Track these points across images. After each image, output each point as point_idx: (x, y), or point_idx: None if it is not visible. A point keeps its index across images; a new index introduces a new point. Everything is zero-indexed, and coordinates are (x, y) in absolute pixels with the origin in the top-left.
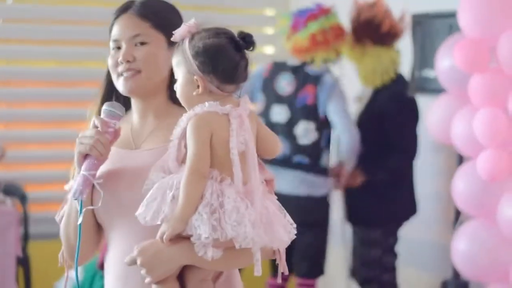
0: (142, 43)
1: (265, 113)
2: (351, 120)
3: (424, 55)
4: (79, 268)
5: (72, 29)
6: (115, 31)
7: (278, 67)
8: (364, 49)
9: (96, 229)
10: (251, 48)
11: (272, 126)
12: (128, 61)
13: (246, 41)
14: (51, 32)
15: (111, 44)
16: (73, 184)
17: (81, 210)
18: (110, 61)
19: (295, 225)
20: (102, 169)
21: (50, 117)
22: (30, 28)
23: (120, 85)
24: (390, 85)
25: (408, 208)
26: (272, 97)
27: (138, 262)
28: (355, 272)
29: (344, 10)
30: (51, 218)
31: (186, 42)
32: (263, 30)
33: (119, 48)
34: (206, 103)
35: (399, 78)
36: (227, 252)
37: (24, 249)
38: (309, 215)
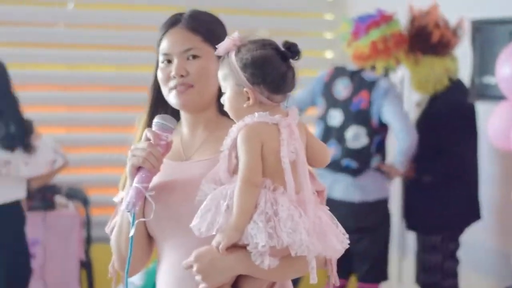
0: (194, 57)
1: (324, 117)
2: (409, 122)
3: (484, 62)
4: (141, 275)
5: (131, 35)
6: (165, 44)
7: (337, 72)
8: (417, 58)
9: (148, 241)
10: (297, 58)
11: (328, 130)
12: (181, 76)
13: (291, 51)
14: (111, 37)
15: (161, 58)
16: (126, 196)
17: (133, 222)
18: (160, 75)
19: (347, 235)
20: (154, 180)
21: (109, 121)
22: (90, 33)
23: (172, 98)
24: (446, 92)
25: (468, 213)
26: (330, 101)
27: (194, 268)
28: (418, 278)
29: (403, 16)
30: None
31: (232, 55)
32: (322, 35)
33: (169, 61)
34: (256, 114)
35: (457, 85)
36: (282, 261)
37: (86, 252)
38: (364, 220)
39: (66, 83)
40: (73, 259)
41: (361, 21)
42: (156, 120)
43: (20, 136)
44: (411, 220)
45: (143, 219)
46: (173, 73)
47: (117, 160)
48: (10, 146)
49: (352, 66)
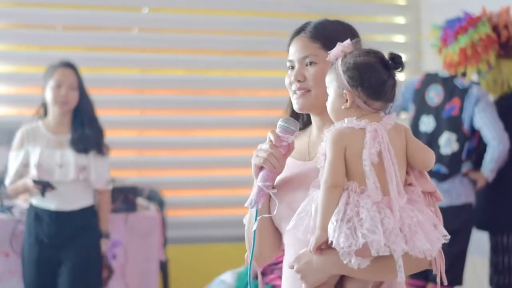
0: (312, 63)
1: (414, 123)
2: (501, 129)
3: None
4: (233, 274)
5: (204, 38)
6: (290, 51)
7: (429, 79)
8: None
9: (276, 234)
10: (400, 69)
11: (419, 136)
12: (299, 81)
13: (395, 62)
14: (184, 41)
15: (287, 64)
16: (250, 194)
17: (256, 218)
18: (286, 80)
19: (447, 236)
20: (279, 177)
21: (181, 123)
22: (163, 37)
23: (293, 102)
24: (509, 95)
25: None
26: (422, 107)
27: (294, 268)
28: (492, 280)
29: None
30: (187, 223)
31: (339, 60)
32: (393, 38)
33: (293, 67)
34: (346, 120)
35: None
36: (375, 262)
37: (163, 253)
38: (449, 223)
39: (140, 86)
40: (153, 260)
41: (449, 27)
42: (279, 122)
43: (94, 138)
44: (482, 220)
45: (266, 215)
46: (292, 79)
47: (190, 162)
48: (85, 148)
49: (443, 72)
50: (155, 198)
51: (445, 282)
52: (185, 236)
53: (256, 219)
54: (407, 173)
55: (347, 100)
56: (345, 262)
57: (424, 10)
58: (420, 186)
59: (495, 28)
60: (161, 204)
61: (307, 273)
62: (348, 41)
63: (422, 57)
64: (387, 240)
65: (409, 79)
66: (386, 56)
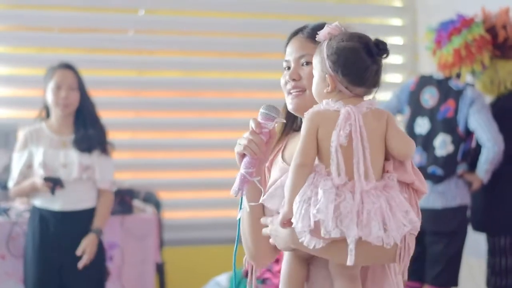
0: (308, 63)
1: (409, 125)
2: (496, 131)
3: None
4: (228, 276)
5: (200, 40)
6: (287, 52)
7: (424, 81)
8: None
9: None
10: (385, 55)
11: (414, 137)
12: (294, 80)
13: (379, 48)
14: (179, 42)
15: (284, 64)
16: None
17: (240, 206)
18: (281, 80)
19: (416, 223)
20: (272, 179)
21: (177, 125)
22: (160, 39)
23: (288, 102)
24: (508, 95)
25: None
26: (417, 109)
27: (268, 230)
28: (489, 282)
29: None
30: (184, 225)
31: (325, 43)
32: (390, 40)
33: (289, 68)
34: (324, 101)
35: None
36: (333, 244)
37: (159, 255)
38: (444, 224)
39: (136, 88)
40: (150, 262)
41: (443, 29)
42: (261, 110)
43: (97, 138)
44: (479, 221)
45: (252, 203)
46: (287, 78)
47: (185, 164)
48: (88, 148)
49: (438, 74)
50: (151, 200)
51: (405, 278)
52: (182, 238)
53: (240, 207)
54: (387, 159)
55: (329, 84)
56: (300, 240)
57: (421, 12)
58: (398, 175)
59: (492, 29)
60: (157, 206)
61: (276, 238)
62: (336, 23)
63: (419, 59)
64: (340, 223)
65: (406, 81)
66: (372, 41)
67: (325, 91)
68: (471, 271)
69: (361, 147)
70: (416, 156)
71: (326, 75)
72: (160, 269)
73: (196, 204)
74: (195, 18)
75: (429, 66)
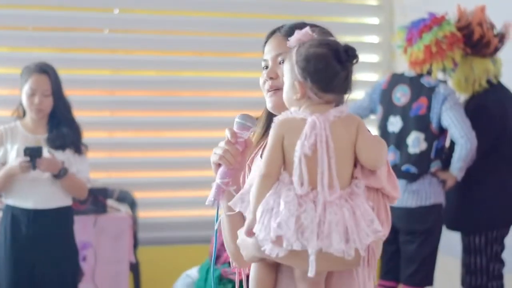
0: (285, 61)
1: (382, 124)
2: (469, 128)
3: None
4: (196, 268)
5: (175, 39)
6: (265, 51)
7: (396, 79)
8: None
9: None
10: (354, 61)
11: (388, 136)
12: (271, 78)
13: (348, 54)
14: (155, 41)
15: (262, 63)
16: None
17: (217, 216)
18: (260, 79)
19: (380, 233)
20: (250, 177)
21: (153, 124)
22: (135, 38)
23: (267, 101)
24: (481, 94)
25: (509, 214)
26: (389, 108)
27: (237, 241)
28: (464, 281)
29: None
30: (159, 224)
31: (295, 49)
32: (366, 39)
33: (267, 67)
34: (292, 109)
35: (495, 88)
36: (294, 252)
37: (134, 254)
38: (418, 223)
39: (111, 87)
40: (124, 261)
41: (414, 27)
42: (236, 119)
43: (71, 137)
44: (453, 220)
45: (228, 213)
46: (265, 76)
47: (161, 163)
48: (62, 146)
49: (409, 72)
50: (126, 199)
51: (374, 280)
52: (157, 238)
53: (217, 217)
54: (355, 165)
55: (299, 91)
56: (262, 249)
57: (397, 11)
58: (367, 180)
59: (468, 26)
60: (132, 205)
61: (242, 249)
62: (306, 29)
63: (395, 58)
64: (301, 236)
65: (381, 79)
66: (341, 47)
67: (294, 97)
68: (447, 270)
69: (326, 158)
70: (390, 155)
71: (296, 82)
72: (134, 268)
73: (172, 204)
74: (171, 16)
75: (406, 65)
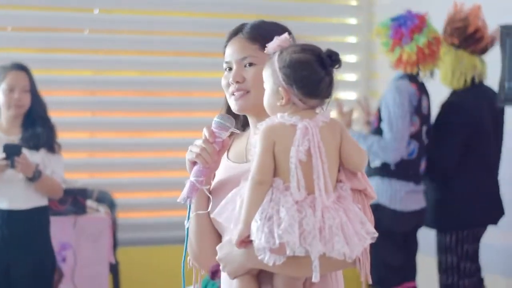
0: (251, 64)
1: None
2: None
3: None
4: None
5: (156, 39)
6: (227, 53)
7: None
8: (449, 49)
9: (216, 233)
10: (337, 66)
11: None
12: (237, 82)
13: (332, 59)
14: (135, 41)
15: (224, 65)
16: (183, 190)
17: (188, 214)
18: (223, 81)
19: (375, 235)
20: (216, 179)
21: (133, 125)
22: (115, 38)
23: (231, 104)
24: (460, 92)
25: (481, 214)
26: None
27: (217, 256)
28: (439, 280)
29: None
30: (139, 225)
31: (276, 55)
32: (345, 39)
33: (230, 69)
34: (279, 115)
35: (475, 88)
36: (292, 258)
37: (113, 255)
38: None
39: (91, 87)
40: (103, 262)
41: (401, 24)
42: (215, 119)
43: (45, 136)
44: (428, 218)
45: (200, 212)
46: (230, 80)
47: (142, 164)
48: (36, 145)
49: (396, 72)
50: (105, 200)
51: (370, 281)
52: (137, 238)
53: (188, 215)
54: (338, 169)
55: (283, 97)
56: (259, 258)
57: (376, 11)
58: (351, 183)
59: (464, 19)
60: (112, 206)
61: (227, 263)
62: (286, 35)
63: (374, 58)
64: (304, 241)
65: (360, 79)
66: (324, 52)
67: (278, 103)
68: (425, 268)
69: (320, 163)
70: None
71: (280, 88)
72: (114, 269)
73: (152, 204)
74: (151, 17)
75: (385, 65)
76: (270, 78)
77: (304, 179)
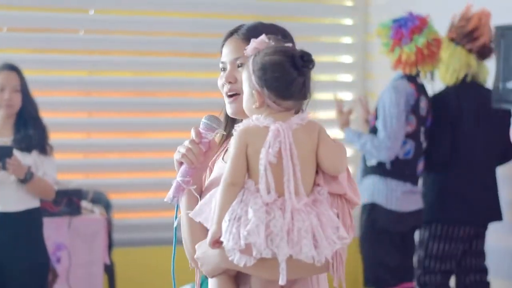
0: (243, 65)
1: None
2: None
3: (508, 67)
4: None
5: (152, 40)
6: (223, 53)
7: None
8: (449, 45)
9: (206, 233)
10: (310, 67)
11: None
12: (230, 82)
13: (304, 60)
14: (131, 42)
15: (220, 65)
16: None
17: (176, 214)
18: (219, 82)
19: (346, 240)
20: (210, 180)
21: (129, 125)
22: (110, 39)
23: (227, 106)
24: (450, 88)
25: (457, 214)
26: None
27: (195, 255)
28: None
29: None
30: (134, 226)
31: (251, 58)
32: (341, 40)
33: (225, 69)
34: (254, 117)
35: (465, 86)
36: (263, 260)
37: (108, 256)
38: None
39: (87, 88)
40: (98, 263)
41: (402, 26)
42: (203, 120)
43: (37, 138)
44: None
45: (188, 212)
46: (223, 80)
47: (137, 164)
48: (27, 147)
49: (396, 72)
50: (100, 200)
51: (343, 287)
52: (132, 239)
53: (176, 215)
54: (316, 172)
55: (257, 100)
56: (230, 259)
57: (372, 12)
58: (330, 187)
59: (471, 19)
60: (107, 206)
61: (204, 262)
62: (262, 37)
63: (370, 58)
64: (271, 243)
65: (356, 80)
66: (297, 53)
67: (253, 106)
68: None
69: (291, 165)
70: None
71: (254, 91)
72: (109, 270)
73: (147, 205)
74: (147, 17)
75: (381, 65)
76: (246, 81)
77: (275, 181)
